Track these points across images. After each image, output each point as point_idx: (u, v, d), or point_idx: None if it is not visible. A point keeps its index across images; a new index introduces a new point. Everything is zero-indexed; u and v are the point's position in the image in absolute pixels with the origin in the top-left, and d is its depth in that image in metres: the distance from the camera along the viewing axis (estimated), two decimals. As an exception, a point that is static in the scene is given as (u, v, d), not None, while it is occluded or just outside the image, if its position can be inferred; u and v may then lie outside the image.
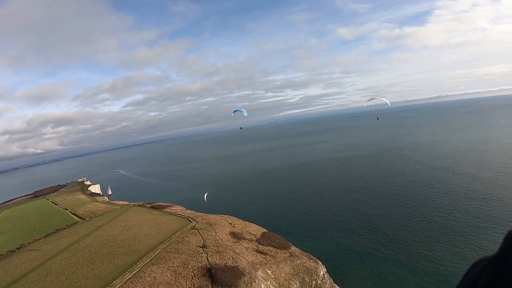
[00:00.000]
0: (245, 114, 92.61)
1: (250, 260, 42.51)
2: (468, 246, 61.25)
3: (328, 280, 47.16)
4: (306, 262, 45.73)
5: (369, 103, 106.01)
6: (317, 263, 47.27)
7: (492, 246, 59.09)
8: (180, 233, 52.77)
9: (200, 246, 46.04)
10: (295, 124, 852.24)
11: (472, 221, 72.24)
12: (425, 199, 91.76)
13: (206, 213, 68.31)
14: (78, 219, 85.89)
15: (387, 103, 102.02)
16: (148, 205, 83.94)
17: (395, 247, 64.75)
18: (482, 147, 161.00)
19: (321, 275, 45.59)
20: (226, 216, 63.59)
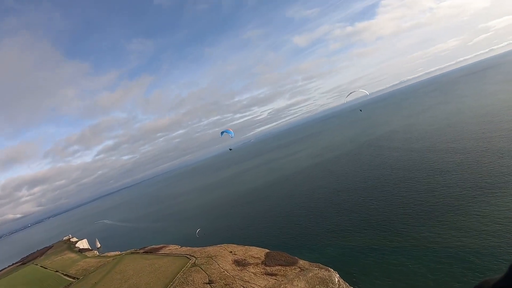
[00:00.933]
0: (232, 135, 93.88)
1: (262, 285, 41.07)
2: (468, 217, 62.19)
3: (344, 285, 46.14)
4: (319, 272, 44.74)
5: (348, 98, 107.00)
6: (329, 271, 46.40)
7: (489, 214, 60.06)
8: (182, 274, 50.74)
9: (206, 283, 44.30)
10: (268, 140, 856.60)
11: (465, 192, 74.84)
12: (414, 183, 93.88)
13: (203, 247, 66.09)
14: (71, 279, 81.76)
15: (367, 93, 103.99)
16: (141, 251, 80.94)
17: (398, 237, 65.50)
18: (453, 119, 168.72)
19: (336, 282, 44.68)
20: (224, 245, 61.94)
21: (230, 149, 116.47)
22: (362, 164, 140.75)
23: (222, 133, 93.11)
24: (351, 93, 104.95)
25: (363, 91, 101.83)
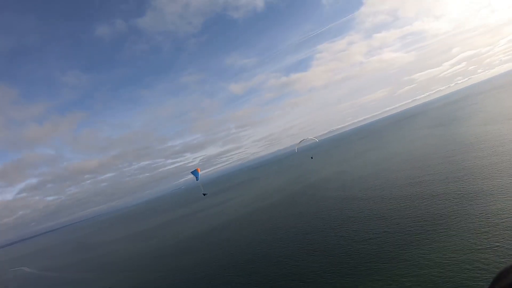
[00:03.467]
0: (197, 178, 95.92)
1: None
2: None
3: None
4: None
5: (299, 146, 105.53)
6: None
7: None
8: None
9: None
10: (198, 187, 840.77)
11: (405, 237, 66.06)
12: (350, 234, 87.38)
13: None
14: None
15: (316, 141, 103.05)
16: None
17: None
18: (383, 165, 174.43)
19: None
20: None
21: (204, 194, 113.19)
22: (293, 214, 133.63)
23: (192, 172, 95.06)
24: (302, 140, 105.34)
25: (313, 139, 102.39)
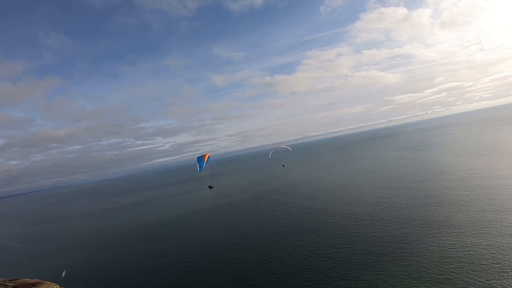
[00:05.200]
0: (201, 168, 77.23)
1: None
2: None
3: None
4: None
5: (274, 151, 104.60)
6: None
7: None
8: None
9: None
10: (166, 173, 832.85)
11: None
12: (307, 244, 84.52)
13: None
14: None
15: (290, 149, 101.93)
16: (11, 284, 57.69)
17: None
18: (353, 179, 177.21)
19: None
20: None
21: (211, 187, 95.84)
22: (255, 217, 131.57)
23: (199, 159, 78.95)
24: (274, 148, 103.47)
25: (287, 147, 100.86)
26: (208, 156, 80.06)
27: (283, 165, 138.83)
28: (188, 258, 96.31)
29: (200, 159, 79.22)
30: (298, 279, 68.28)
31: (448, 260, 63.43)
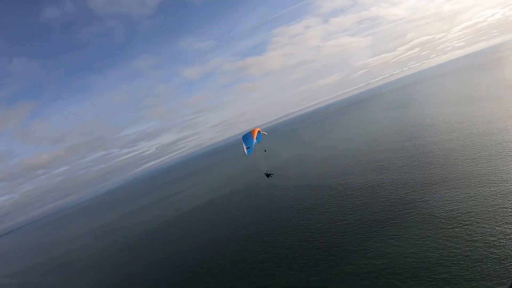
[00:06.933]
0: (249, 150, 61.71)
1: None
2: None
3: None
4: None
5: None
6: None
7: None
8: None
9: None
10: (156, 176, 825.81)
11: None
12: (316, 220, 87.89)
13: None
14: None
15: (265, 134, 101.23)
16: None
17: None
18: (341, 147, 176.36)
19: None
20: None
21: (270, 175, 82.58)
22: (251, 206, 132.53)
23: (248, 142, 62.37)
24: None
25: (263, 133, 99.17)
26: (259, 131, 66.19)
27: (264, 150, 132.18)
28: (193, 262, 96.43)
29: (248, 138, 63.75)
30: (310, 259, 68.94)
31: (454, 213, 64.88)
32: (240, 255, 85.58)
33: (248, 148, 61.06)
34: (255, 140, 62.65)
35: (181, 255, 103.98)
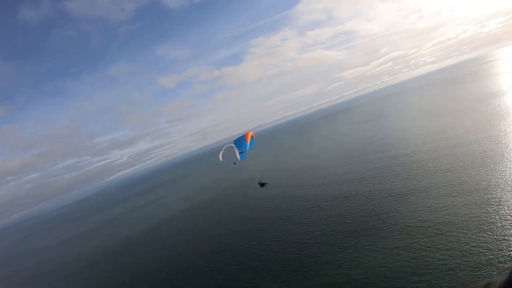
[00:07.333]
0: (243, 155, 58.56)
1: None
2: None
3: None
4: None
5: (222, 154, 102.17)
6: None
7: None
8: None
9: None
10: (128, 186, 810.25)
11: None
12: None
13: None
14: None
15: (234, 147, 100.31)
16: None
17: None
18: (316, 159, 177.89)
19: None
20: None
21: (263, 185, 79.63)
22: (225, 216, 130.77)
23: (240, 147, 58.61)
24: (221, 150, 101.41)
25: (231, 145, 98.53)
26: (252, 135, 61.71)
27: (234, 163, 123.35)
28: (164, 276, 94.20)
29: (240, 142, 60.32)
30: (284, 270, 67.97)
31: (428, 223, 65.56)
32: (213, 267, 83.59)
33: (242, 153, 58.31)
34: (249, 146, 59.33)
35: (151, 269, 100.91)
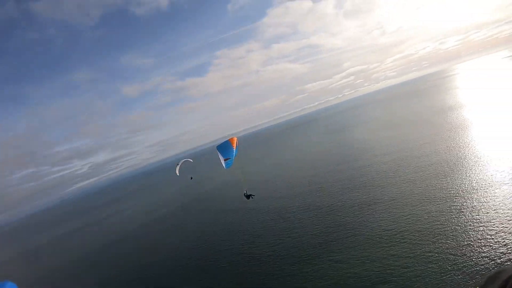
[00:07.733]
0: (229, 162, 52.76)
1: None
2: None
3: None
4: None
5: (179, 168, 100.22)
6: None
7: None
8: None
9: None
10: (88, 197, 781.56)
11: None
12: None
13: None
14: None
15: (191, 161, 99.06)
16: None
17: None
18: (278, 172, 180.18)
19: None
20: None
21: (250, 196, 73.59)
22: (187, 231, 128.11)
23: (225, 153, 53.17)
24: (178, 164, 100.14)
25: (189, 160, 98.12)
26: (236, 141, 56.06)
27: (191, 178, 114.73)
28: None
29: (224, 148, 54.34)
30: (248, 284, 67.33)
31: (391, 232, 66.93)
32: (173, 282, 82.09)
33: (228, 159, 53.11)
34: (235, 151, 54.13)
35: None
